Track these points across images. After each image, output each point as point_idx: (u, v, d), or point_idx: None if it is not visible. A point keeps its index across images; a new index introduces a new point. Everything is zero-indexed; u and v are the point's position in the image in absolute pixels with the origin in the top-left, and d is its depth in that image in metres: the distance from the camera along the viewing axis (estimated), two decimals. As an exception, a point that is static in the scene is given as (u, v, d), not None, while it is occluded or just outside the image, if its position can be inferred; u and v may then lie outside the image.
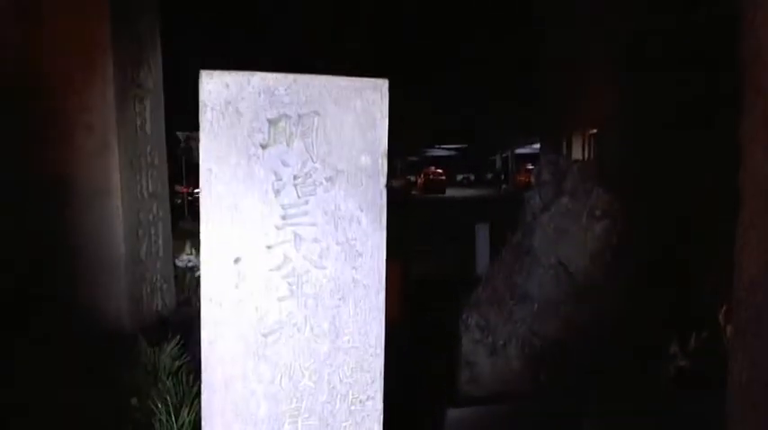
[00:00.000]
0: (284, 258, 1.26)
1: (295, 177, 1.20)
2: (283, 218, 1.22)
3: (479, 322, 4.09)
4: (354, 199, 1.25)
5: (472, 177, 29.29)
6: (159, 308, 3.26)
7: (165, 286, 3.42)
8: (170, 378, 2.24)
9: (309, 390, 1.35)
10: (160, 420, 2.03)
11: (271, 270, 1.26)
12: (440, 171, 28.49)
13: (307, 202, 1.22)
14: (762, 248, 1.83)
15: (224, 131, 1.18)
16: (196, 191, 11.55)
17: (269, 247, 1.23)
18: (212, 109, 1.17)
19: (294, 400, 1.34)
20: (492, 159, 28.68)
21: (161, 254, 3.35)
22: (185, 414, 2.06)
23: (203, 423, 1.32)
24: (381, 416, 1.40)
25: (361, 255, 1.29)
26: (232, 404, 1.31)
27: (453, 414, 2.87)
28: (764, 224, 1.82)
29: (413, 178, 27.73)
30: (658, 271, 3.29)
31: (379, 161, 1.25)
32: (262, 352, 1.31)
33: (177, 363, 2.32)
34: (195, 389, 2.18)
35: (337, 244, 1.26)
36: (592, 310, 3.66)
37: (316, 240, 1.25)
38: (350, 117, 1.25)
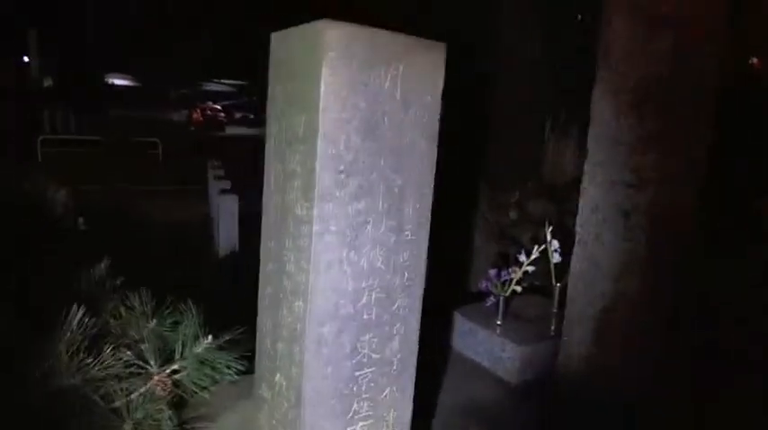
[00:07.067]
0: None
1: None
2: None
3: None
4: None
5: (252, 116, 28.34)
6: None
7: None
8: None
9: (381, 271, 1.80)
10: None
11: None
12: (218, 107, 27.12)
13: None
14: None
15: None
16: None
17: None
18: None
19: (371, 278, 1.78)
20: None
21: None
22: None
23: (310, 297, 1.68)
24: (422, 293, 1.92)
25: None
26: (331, 282, 1.70)
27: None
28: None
29: (188, 112, 25.69)
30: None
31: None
32: (352, 243, 1.72)
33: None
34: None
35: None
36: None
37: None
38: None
